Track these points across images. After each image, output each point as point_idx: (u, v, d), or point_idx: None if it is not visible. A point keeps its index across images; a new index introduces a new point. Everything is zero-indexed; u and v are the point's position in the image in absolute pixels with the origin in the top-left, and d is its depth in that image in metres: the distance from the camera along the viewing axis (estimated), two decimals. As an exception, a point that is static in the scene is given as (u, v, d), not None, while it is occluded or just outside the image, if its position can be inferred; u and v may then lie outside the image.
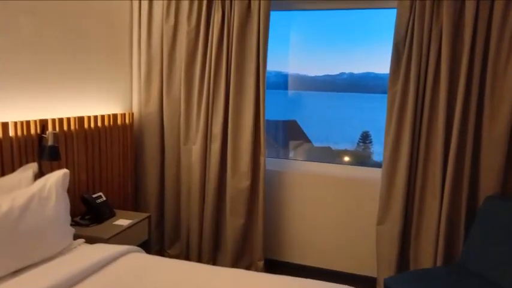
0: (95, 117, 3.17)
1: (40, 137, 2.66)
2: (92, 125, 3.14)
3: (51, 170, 2.73)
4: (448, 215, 2.96)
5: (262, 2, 3.23)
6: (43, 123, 2.69)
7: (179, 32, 3.51)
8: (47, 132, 2.62)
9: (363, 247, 3.51)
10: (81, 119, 3.02)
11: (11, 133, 2.47)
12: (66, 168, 2.90)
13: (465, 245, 2.75)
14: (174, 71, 3.57)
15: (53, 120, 2.77)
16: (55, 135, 2.61)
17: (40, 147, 2.65)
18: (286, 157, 4.11)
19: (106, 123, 3.29)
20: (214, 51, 3.37)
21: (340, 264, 3.61)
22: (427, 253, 3.07)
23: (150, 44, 3.59)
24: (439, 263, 2.99)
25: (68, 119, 2.90)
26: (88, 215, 2.96)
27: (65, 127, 2.88)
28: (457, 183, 2.97)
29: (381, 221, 3.20)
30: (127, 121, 3.54)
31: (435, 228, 3.01)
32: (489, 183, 2.88)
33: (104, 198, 3.05)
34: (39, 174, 2.57)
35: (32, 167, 2.51)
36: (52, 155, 2.59)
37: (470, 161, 2.90)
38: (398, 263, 3.16)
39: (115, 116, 3.39)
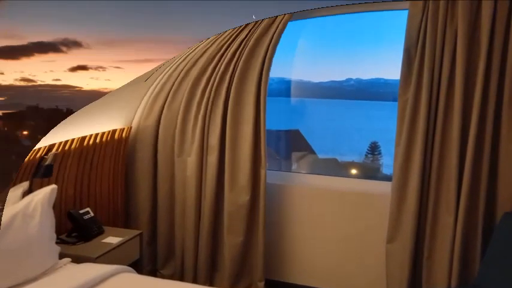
0: (96, 135, 3.21)
1: (41, 158, 2.70)
2: (91, 142, 3.19)
3: (41, 186, 2.74)
4: (464, 232, 2.95)
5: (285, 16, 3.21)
6: (50, 148, 2.77)
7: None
8: (49, 153, 2.68)
9: (371, 267, 3.50)
10: (83, 139, 3.08)
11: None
12: (55, 183, 2.90)
13: (482, 265, 2.74)
14: (183, 85, 3.57)
15: (59, 144, 2.85)
16: (55, 156, 2.69)
17: (37, 167, 2.68)
18: (289, 170, 4.12)
19: (104, 139, 3.33)
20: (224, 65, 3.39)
21: (347, 285, 3.59)
22: (441, 273, 3.06)
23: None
24: (453, 283, 2.98)
25: (72, 140, 2.97)
26: (75, 232, 2.95)
27: (67, 147, 2.94)
28: (473, 198, 2.96)
29: (391, 239, 3.20)
30: (124, 135, 3.57)
31: (450, 246, 3.00)
32: (507, 198, 2.88)
33: (92, 214, 3.05)
34: (28, 192, 2.58)
35: (22, 186, 2.56)
36: (46, 173, 2.65)
37: (487, 174, 2.90)
38: (409, 284, 3.14)
39: (114, 131, 3.43)
